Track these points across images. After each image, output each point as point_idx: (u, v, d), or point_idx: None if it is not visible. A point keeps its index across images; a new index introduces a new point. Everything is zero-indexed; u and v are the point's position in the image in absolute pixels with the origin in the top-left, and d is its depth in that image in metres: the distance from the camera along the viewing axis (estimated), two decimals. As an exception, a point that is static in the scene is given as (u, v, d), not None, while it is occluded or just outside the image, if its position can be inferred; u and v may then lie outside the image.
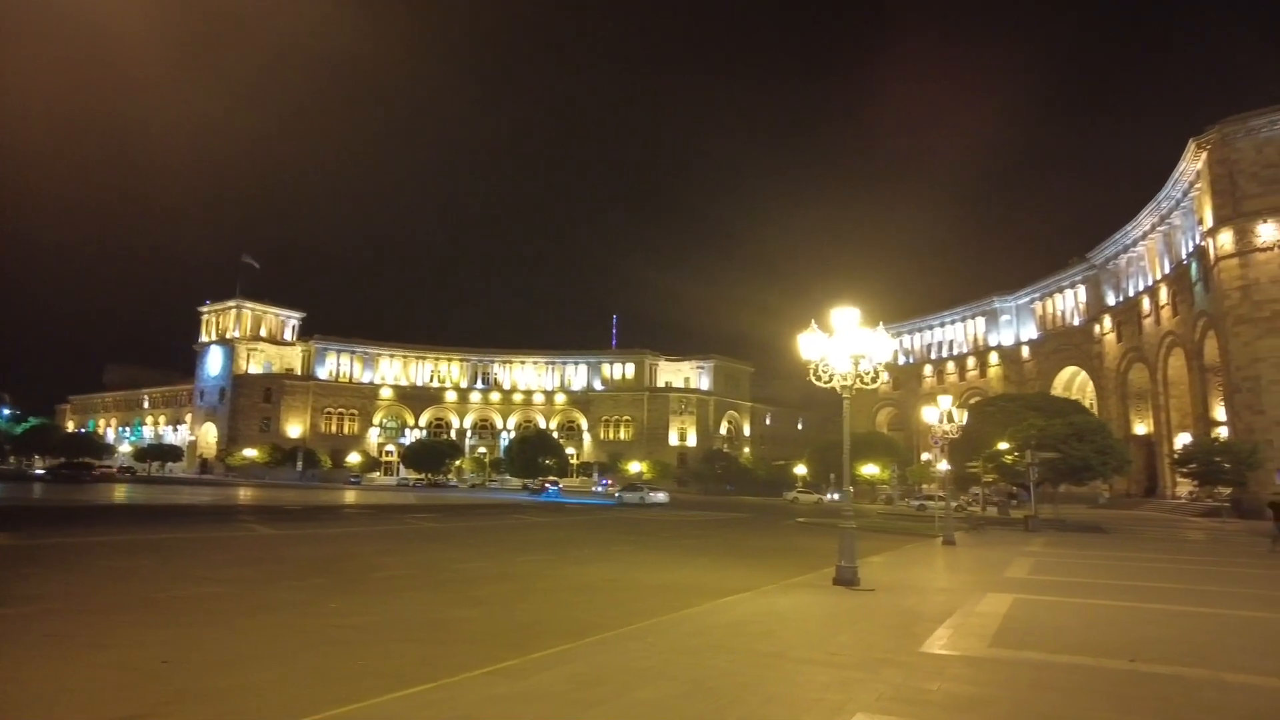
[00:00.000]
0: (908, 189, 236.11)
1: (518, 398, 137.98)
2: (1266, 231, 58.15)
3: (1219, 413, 64.07)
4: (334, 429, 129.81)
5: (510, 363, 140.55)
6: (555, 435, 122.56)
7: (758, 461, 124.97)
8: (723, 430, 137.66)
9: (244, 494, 63.47)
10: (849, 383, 15.41)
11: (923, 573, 19.96)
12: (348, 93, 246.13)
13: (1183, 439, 67.44)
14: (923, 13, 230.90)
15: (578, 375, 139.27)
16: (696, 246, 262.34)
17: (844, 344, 15.24)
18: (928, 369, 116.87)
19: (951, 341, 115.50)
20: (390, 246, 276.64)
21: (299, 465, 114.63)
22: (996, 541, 31.06)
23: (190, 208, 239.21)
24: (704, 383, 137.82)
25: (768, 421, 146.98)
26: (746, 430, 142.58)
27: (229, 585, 14.84)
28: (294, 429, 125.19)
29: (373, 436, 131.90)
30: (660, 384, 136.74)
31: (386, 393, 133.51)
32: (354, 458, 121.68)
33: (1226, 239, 59.69)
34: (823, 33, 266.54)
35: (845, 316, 15.25)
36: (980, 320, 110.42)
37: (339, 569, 17.82)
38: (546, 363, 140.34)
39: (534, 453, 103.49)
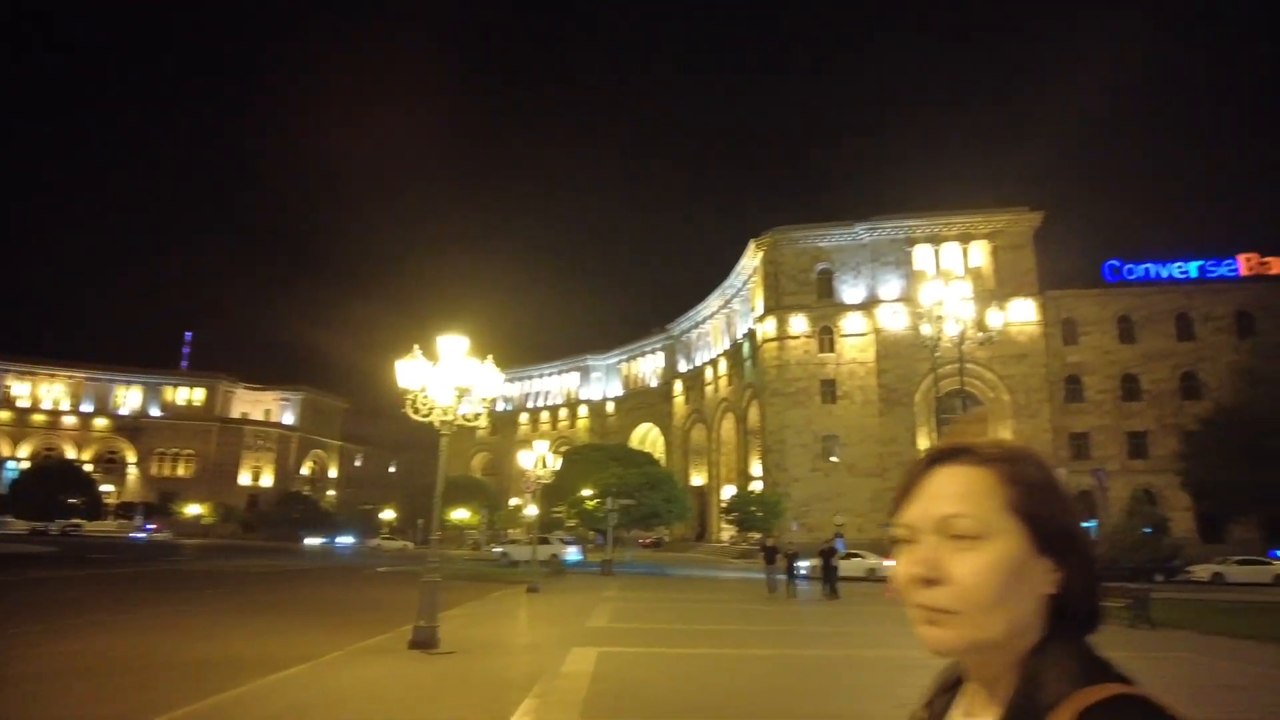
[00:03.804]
0: (521, 247, 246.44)
1: (38, 419, 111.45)
2: (797, 324, 70.77)
3: (756, 469, 75.64)
4: None
5: (33, 375, 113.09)
6: (90, 468, 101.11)
7: (343, 505, 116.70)
8: (306, 470, 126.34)
9: None
10: (450, 417, 13.99)
11: (507, 627, 19.05)
12: None
13: (728, 490, 78.26)
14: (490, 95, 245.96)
15: (129, 397, 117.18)
16: (291, 266, 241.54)
17: (449, 374, 13.83)
18: (524, 416, 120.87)
19: (548, 392, 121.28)
20: None
21: None
22: (578, 587, 31.73)
23: None
24: (288, 417, 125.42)
25: (358, 463, 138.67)
26: (334, 472, 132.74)
27: None
28: None
29: None
30: (236, 414, 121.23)
31: None
32: None
33: (770, 326, 71.38)
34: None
35: (452, 345, 13.88)
36: (575, 375, 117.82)
37: None
38: (87, 378, 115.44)
39: (54, 489, 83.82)
